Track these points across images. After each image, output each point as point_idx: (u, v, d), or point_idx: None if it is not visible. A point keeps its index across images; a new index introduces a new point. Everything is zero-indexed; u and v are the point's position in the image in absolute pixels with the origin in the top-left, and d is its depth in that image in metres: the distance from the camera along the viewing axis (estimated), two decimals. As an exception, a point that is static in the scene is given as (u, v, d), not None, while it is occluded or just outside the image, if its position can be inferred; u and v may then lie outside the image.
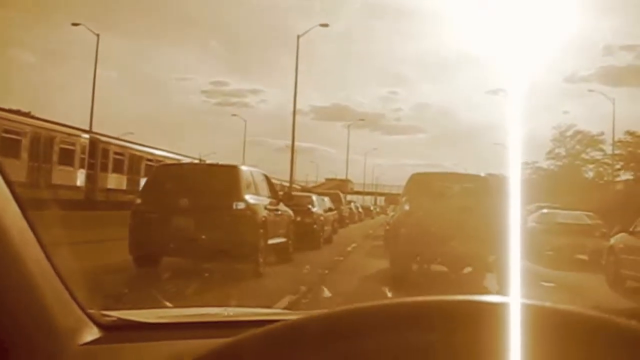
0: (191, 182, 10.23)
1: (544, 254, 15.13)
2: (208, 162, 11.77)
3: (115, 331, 1.29)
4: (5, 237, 1.06)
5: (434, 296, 0.60)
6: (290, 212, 12.72)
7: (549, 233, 16.20)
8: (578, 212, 18.32)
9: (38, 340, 1.10)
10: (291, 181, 36.39)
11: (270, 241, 10.71)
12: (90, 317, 1.26)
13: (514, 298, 0.58)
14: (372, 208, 52.34)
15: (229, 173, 10.46)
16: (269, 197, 11.44)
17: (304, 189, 37.35)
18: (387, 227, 16.05)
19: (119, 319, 1.35)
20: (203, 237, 9.31)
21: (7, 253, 1.06)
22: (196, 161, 12.38)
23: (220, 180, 10.24)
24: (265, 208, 10.74)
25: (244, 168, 10.87)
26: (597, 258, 13.79)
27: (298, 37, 34.61)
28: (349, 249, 16.07)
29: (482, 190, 11.19)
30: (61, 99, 54.62)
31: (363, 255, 14.73)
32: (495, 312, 0.55)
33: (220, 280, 8.72)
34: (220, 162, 11.58)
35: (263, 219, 10.36)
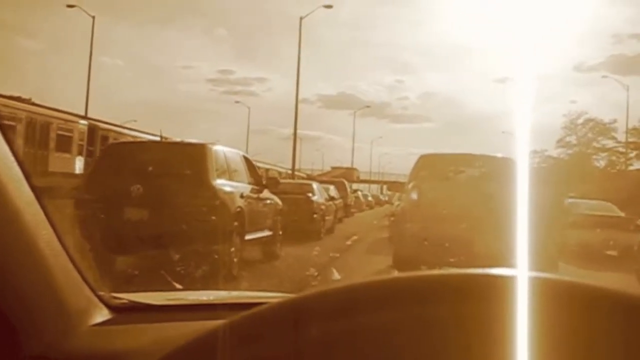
0: (148, 164, 8.27)
1: (568, 249, 13.28)
2: (172, 140, 9.82)
3: (125, 313, 1.29)
4: (18, 218, 1.06)
5: (440, 270, 0.58)
6: (277, 201, 10.84)
7: (574, 226, 14.30)
8: (606, 203, 16.53)
9: (48, 320, 1.10)
10: (293, 168, 35.34)
11: (249, 236, 8.90)
12: (101, 299, 1.26)
13: (522, 270, 0.56)
14: (380, 197, 51.46)
15: (196, 153, 8.49)
16: (248, 183, 9.56)
17: (309, 177, 36.29)
18: (392, 218, 14.05)
19: (129, 301, 1.35)
20: (160, 232, 7.48)
21: (20, 234, 1.07)
22: (156, 138, 10.41)
23: (184, 162, 8.33)
24: (242, 196, 8.85)
25: (215, 147, 8.85)
26: (630, 255, 12.18)
27: (301, 18, 34.38)
28: (349, 242, 14.17)
29: (505, 174, 9.00)
30: (64, 86, 54.11)
31: (363, 252, 12.78)
32: (504, 285, 0.54)
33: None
34: (187, 140, 9.67)
35: (238, 209, 8.50)
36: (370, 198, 43.31)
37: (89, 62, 33.72)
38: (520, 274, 0.55)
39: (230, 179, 8.81)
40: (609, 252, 14.09)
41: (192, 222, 7.60)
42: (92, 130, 24.86)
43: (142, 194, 7.76)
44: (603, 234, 14.03)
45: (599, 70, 64.68)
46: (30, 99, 23.18)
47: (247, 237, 8.78)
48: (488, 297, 0.54)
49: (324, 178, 36.37)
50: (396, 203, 14.32)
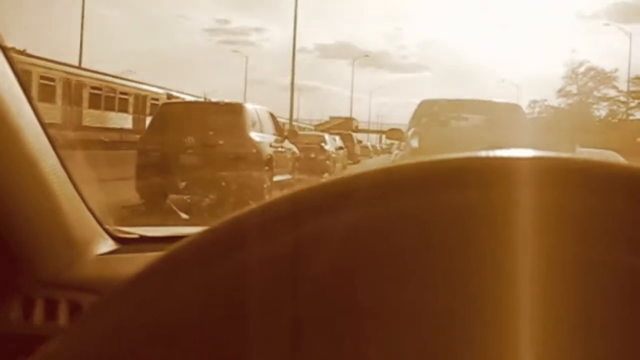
0: (196, 120, 10.28)
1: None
2: (213, 100, 11.77)
3: (130, 244, 1.32)
4: (21, 141, 1.04)
5: (460, 154, 0.52)
6: (295, 149, 12.81)
7: None
8: (611, 152, 16.65)
9: (54, 248, 1.13)
10: (291, 119, 36.46)
11: (276, 178, 10.84)
12: (106, 231, 1.29)
13: (544, 152, 0.51)
14: (381, 146, 53.33)
15: (234, 111, 10.51)
16: (273, 134, 11.51)
17: (316, 128, 38.40)
18: None
19: (135, 234, 1.38)
20: (209, 175, 9.41)
21: (23, 157, 1.05)
22: (200, 99, 12.37)
23: (225, 118, 10.30)
24: (271, 145, 10.83)
25: (248, 106, 10.89)
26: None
27: None
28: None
29: (511, 120, 9.05)
30: (59, 36, 54.27)
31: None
32: (528, 167, 0.50)
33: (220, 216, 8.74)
34: (225, 100, 11.65)
35: (268, 156, 10.46)
36: (379, 147, 46.48)
37: (82, 11, 34.68)
38: (535, 154, 0.50)
39: (261, 131, 10.76)
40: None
41: (234, 167, 9.54)
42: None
43: (193, 144, 9.72)
44: None
45: (601, 18, 65.17)
46: (24, 50, 24.31)
47: (275, 179, 10.73)
48: (516, 179, 0.48)
49: (328, 128, 38.32)
50: (395, 152, 14.00)
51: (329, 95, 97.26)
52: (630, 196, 0.47)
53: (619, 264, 0.47)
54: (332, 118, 59.77)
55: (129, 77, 31.90)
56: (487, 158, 0.51)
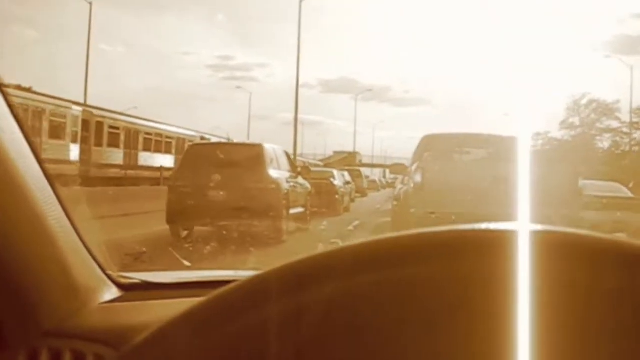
0: (221, 159, 11.59)
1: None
2: (235, 141, 13.05)
3: (133, 291, 1.34)
4: (26, 194, 1.07)
5: (433, 228, 0.53)
6: (308, 185, 14.03)
7: (585, 208, 13.14)
8: (615, 184, 16.25)
9: (58, 298, 1.14)
10: (295, 154, 36.88)
11: (291, 211, 12.00)
12: (110, 278, 1.31)
13: (523, 224, 0.52)
14: (387, 181, 54.30)
15: (254, 150, 11.86)
16: (289, 171, 12.76)
17: (326, 165, 39.98)
18: (395, 203, 13.35)
19: (138, 280, 1.40)
20: (233, 208, 10.52)
21: (29, 210, 1.08)
22: (224, 140, 13.83)
23: (246, 157, 11.61)
24: (287, 181, 12.06)
25: (267, 146, 12.18)
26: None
27: (300, 1, 35.25)
28: (351, 227, 14.22)
29: (514, 154, 8.68)
30: (64, 74, 54.82)
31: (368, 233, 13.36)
32: (504, 240, 0.50)
33: (247, 245, 9.51)
34: (247, 142, 12.84)
35: (285, 191, 11.67)
36: (384, 181, 48.18)
37: (87, 49, 35.18)
38: (522, 227, 0.51)
39: (279, 168, 12.02)
40: (618, 235, 14.56)
41: (256, 200, 10.74)
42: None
43: (219, 181, 10.92)
44: (612, 215, 13.11)
45: (601, 50, 66.41)
46: (30, 88, 25.04)
47: (291, 211, 11.87)
48: (488, 253, 0.50)
49: (333, 163, 39.71)
50: (399, 187, 13.87)
51: (332, 129, 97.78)
52: (614, 268, 0.50)
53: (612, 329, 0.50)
54: (335, 153, 60.13)
55: (133, 114, 33.35)
56: (466, 231, 0.53)
